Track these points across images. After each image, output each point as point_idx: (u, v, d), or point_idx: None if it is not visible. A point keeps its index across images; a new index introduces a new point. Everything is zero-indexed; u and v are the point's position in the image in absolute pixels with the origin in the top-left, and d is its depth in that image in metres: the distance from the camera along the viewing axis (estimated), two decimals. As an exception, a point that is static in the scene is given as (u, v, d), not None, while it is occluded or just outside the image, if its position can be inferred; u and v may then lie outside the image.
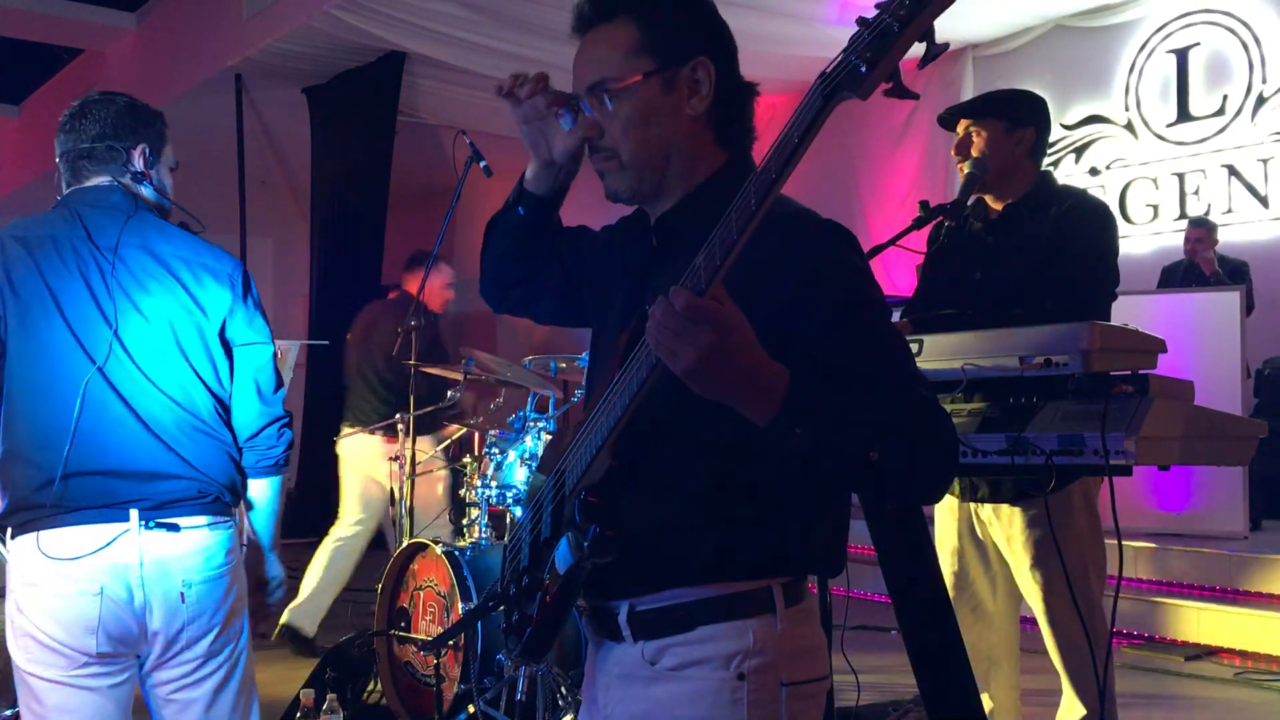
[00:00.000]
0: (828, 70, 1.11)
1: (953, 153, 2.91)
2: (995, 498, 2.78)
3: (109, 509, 2.17)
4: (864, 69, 1.07)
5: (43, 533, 2.15)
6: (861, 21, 1.09)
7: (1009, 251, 2.85)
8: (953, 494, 2.91)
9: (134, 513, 2.17)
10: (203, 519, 2.25)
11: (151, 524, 2.18)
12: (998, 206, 2.92)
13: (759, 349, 1.20)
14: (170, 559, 2.21)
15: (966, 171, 2.86)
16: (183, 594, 2.23)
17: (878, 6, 1.08)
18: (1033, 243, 2.82)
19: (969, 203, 2.87)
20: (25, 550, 2.17)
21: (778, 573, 1.37)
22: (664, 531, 1.36)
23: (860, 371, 1.30)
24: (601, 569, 1.33)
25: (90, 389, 2.16)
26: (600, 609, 1.43)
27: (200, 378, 2.27)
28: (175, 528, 2.21)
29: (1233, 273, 6.59)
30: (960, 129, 2.90)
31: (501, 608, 1.53)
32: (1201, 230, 6.61)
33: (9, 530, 2.19)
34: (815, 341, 1.31)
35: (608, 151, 1.44)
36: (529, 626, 1.43)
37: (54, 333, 2.17)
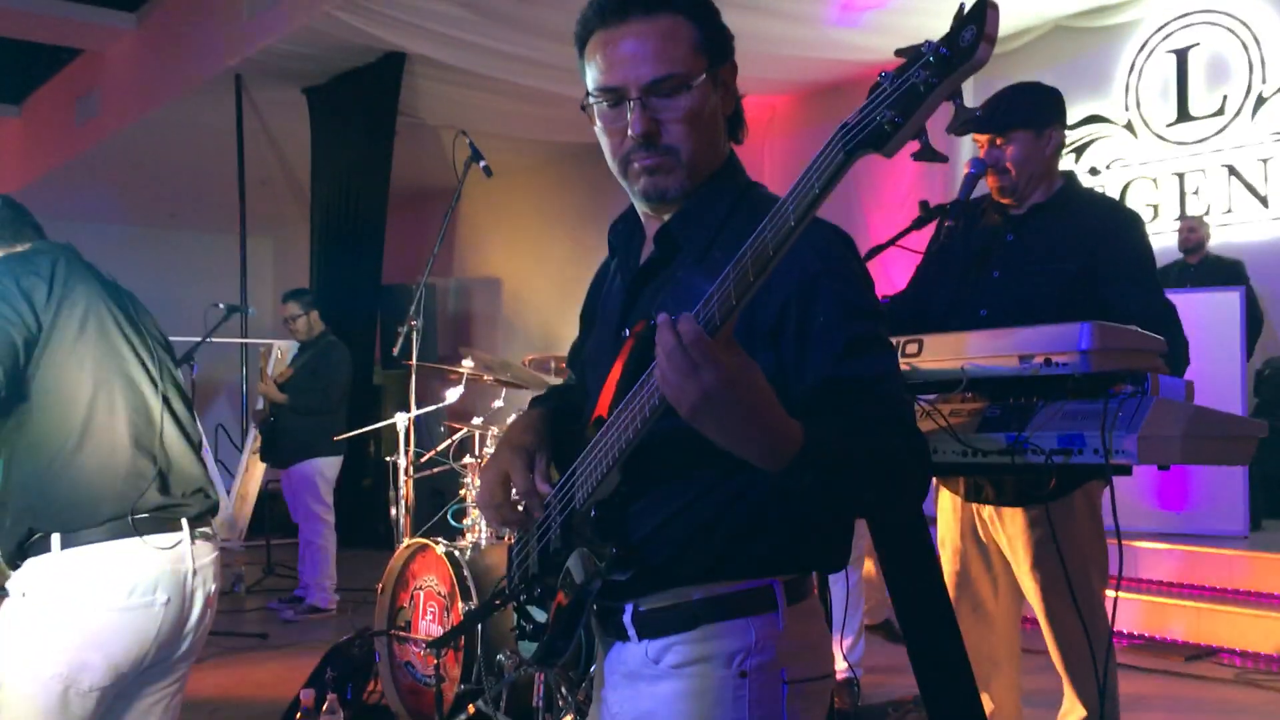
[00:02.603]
0: (850, 122, 1.06)
1: (990, 173, 2.82)
2: (1000, 500, 2.77)
3: (168, 519, 2.20)
4: (888, 128, 1.03)
5: (149, 536, 2.14)
6: (884, 76, 1.04)
7: (1033, 252, 2.79)
8: (956, 494, 2.90)
9: (185, 522, 2.22)
10: (212, 529, 2.32)
11: (196, 534, 2.24)
12: (1009, 200, 2.87)
13: (771, 407, 1.17)
14: (205, 567, 2.27)
15: (967, 171, 2.84)
16: (210, 601, 2.28)
17: (900, 53, 1.04)
18: (1063, 247, 2.75)
19: (971, 198, 2.85)
20: (91, 560, 2.11)
21: (779, 570, 1.38)
22: (667, 533, 1.37)
23: (851, 386, 1.30)
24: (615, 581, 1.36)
25: (153, 404, 2.24)
26: (606, 609, 1.44)
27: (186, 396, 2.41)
28: (209, 536, 2.28)
29: (1229, 271, 6.65)
30: (984, 141, 2.84)
31: (511, 608, 1.54)
32: (1192, 220, 7.02)
33: (57, 540, 2.11)
34: (808, 346, 1.31)
35: (666, 148, 1.39)
36: (545, 634, 1.44)
37: (123, 346, 2.25)
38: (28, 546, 2.14)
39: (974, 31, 0.99)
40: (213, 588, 2.29)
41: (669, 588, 1.38)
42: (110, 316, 2.25)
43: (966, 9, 1.01)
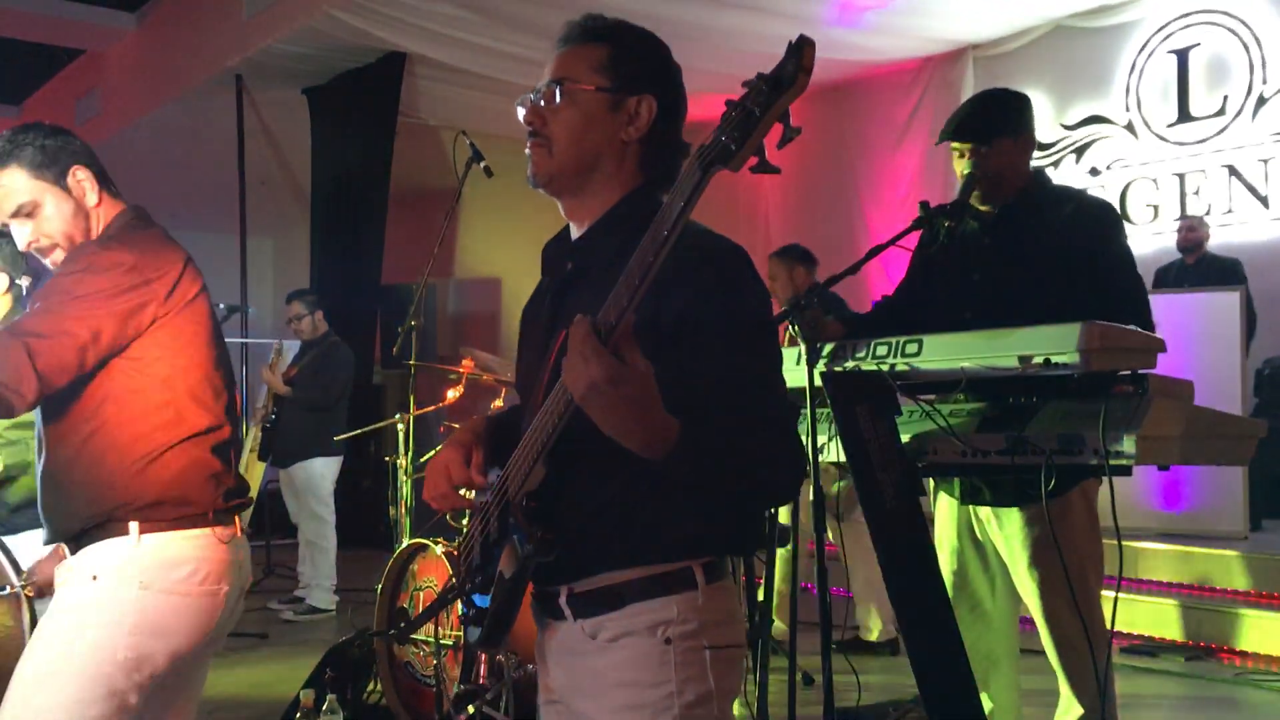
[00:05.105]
0: (705, 144, 1.26)
1: (964, 173, 2.85)
2: (997, 501, 2.77)
3: (231, 513, 2.24)
4: (733, 147, 1.23)
5: (217, 528, 2.19)
6: (729, 104, 1.24)
7: (1010, 252, 2.81)
8: (952, 496, 2.91)
9: (237, 519, 2.26)
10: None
11: (242, 529, 2.29)
12: (987, 207, 2.89)
13: (651, 404, 1.34)
14: (247, 560, 2.30)
15: (965, 172, 2.85)
16: (245, 592, 2.30)
17: (744, 85, 1.23)
18: (1036, 245, 2.78)
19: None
20: (168, 548, 2.14)
21: (697, 554, 1.55)
22: (593, 524, 1.54)
23: (731, 388, 1.48)
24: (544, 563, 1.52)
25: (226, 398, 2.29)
26: (544, 593, 1.61)
27: None
28: (247, 531, 2.32)
29: (1225, 271, 6.65)
30: (965, 149, 2.84)
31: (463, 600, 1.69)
32: (1192, 220, 7.01)
33: (135, 526, 2.11)
34: (698, 350, 1.48)
35: (544, 138, 1.62)
36: (486, 618, 1.60)
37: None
38: (97, 530, 2.13)
39: (795, 64, 1.22)
40: (249, 578, 2.33)
41: (598, 572, 1.54)
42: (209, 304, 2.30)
43: (793, 43, 1.22)
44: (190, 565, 2.15)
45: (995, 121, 2.86)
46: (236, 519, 2.26)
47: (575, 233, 1.69)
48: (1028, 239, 2.80)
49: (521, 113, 1.64)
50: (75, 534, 2.16)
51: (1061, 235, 2.77)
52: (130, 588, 2.10)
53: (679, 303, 1.48)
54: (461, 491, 1.65)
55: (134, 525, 2.12)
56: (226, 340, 2.39)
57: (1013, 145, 2.85)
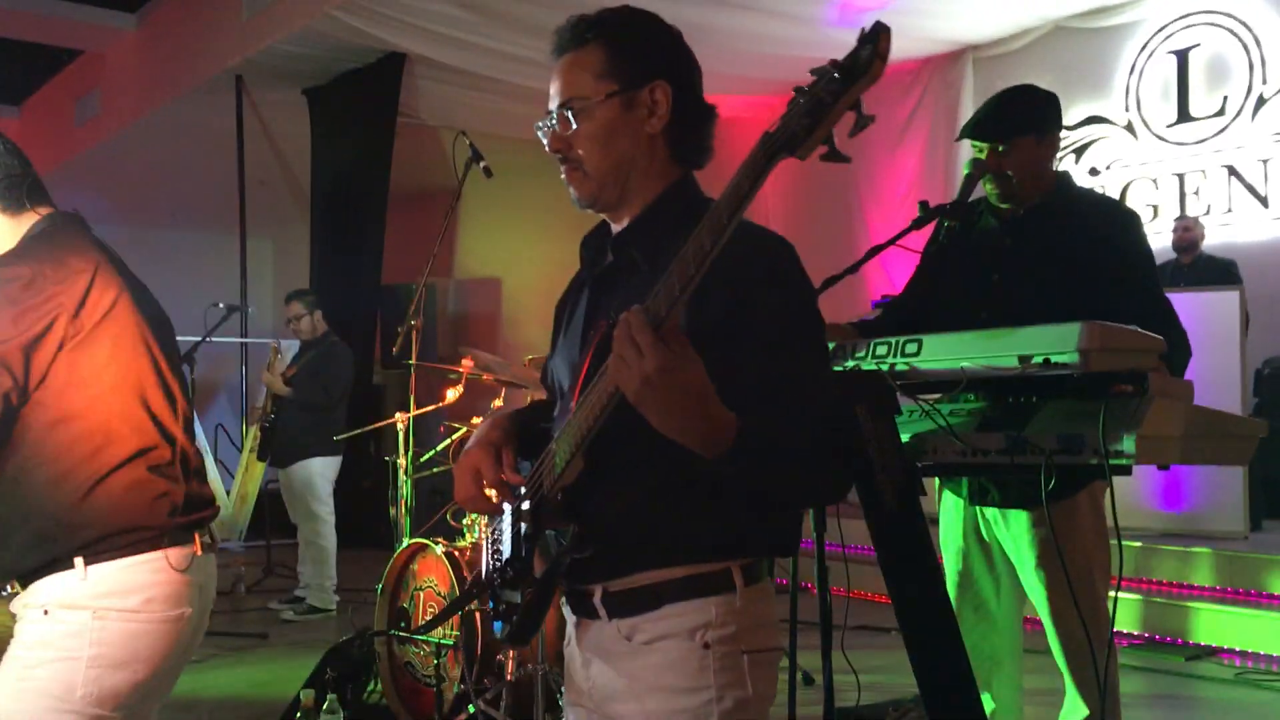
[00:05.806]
0: (771, 131, 1.23)
1: (983, 173, 2.80)
2: (1005, 502, 2.77)
3: (188, 532, 2.11)
4: (801, 134, 1.20)
5: (171, 550, 2.07)
6: (798, 90, 1.20)
7: (1032, 255, 2.78)
8: (959, 496, 2.90)
9: (197, 536, 2.13)
10: (212, 535, 2.23)
11: (204, 545, 2.15)
12: (1006, 206, 2.86)
13: (707, 398, 1.31)
14: (211, 577, 2.20)
15: (966, 172, 2.83)
16: (210, 615, 2.21)
17: (813, 72, 1.19)
18: (1059, 248, 2.75)
19: (971, 199, 2.85)
20: (117, 577, 2.02)
21: (736, 555, 1.51)
22: (630, 521, 1.50)
23: (782, 384, 1.44)
24: (578, 559, 1.49)
25: (173, 412, 2.16)
26: (577, 591, 1.58)
27: None
28: (211, 546, 2.18)
29: (1221, 271, 6.65)
30: (985, 146, 2.80)
31: (488, 594, 1.66)
32: (1188, 220, 7.03)
33: (79, 561, 1.99)
34: (747, 346, 1.45)
35: (575, 162, 1.59)
36: (515, 614, 1.56)
37: (140, 345, 2.16)
38: (43, 568, 2.03)
39: (870, 51, 1.16)
40: (213, 595, 2.24)
41: (635, 571, 1.50)
42: (129, 305, 2.11)
43: (867, 30, 1.17)
44: (144, 592, 2.03)
45: (1015, 120, 2.81)
46: (197, 536, 2.12)
47: (616, 227, 1.66)
48: (1052, 243, 2.76)
49: (544, 141, 1.62)
50: (23, 573, 2.06)
51: (1085, 239, 2.74)
52: (82, 620, 1.99)
53: (726, 298, 1.44)
54: (490, 494, 1.59)
55: (79, 560, 2.00)
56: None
57: (1034, 145, 2.80)
